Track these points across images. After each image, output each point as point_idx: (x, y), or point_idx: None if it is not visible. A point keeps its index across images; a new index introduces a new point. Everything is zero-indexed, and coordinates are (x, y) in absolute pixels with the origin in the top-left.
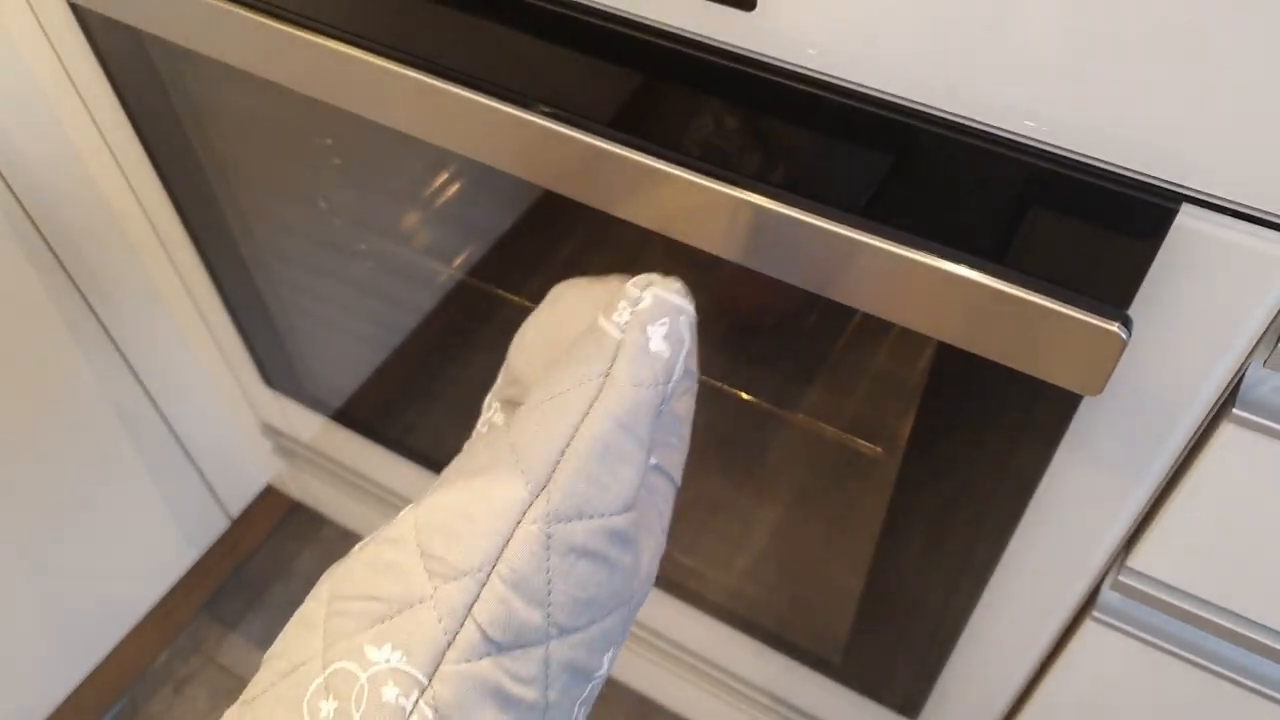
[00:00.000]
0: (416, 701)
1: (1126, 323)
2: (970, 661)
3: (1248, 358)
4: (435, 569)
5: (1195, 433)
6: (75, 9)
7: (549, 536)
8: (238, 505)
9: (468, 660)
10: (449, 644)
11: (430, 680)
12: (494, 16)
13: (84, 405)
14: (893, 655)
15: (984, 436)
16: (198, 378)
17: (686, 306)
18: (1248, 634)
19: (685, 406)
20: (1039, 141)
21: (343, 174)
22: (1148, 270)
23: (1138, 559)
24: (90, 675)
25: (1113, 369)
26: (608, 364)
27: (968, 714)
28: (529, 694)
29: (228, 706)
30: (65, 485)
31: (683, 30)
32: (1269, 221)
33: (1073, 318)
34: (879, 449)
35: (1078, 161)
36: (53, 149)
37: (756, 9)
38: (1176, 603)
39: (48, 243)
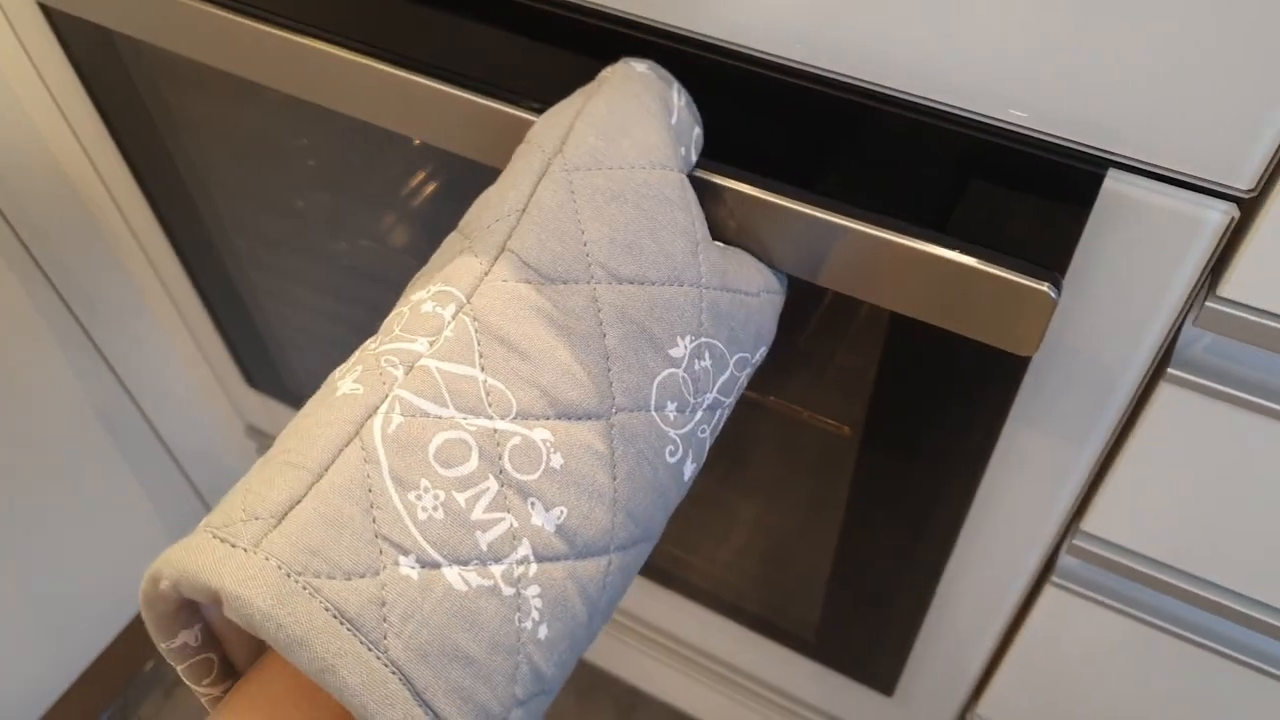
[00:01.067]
0: (456, 314)
1: (1055, 283)
2: (939, 635)
3: (1180, 317)
4: (471, 230)
5: (1135, 394)
6: (45, 10)
7: (570, 182)
8: None
9: (505, 280)
10: (486, 271)
11: (469, 298)
12: (452, 7)
13: (66, 409)
14: (865, 632)
15: (937, 409)
16: (180, 380)
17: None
18: (1201, 593)
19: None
20: (976, 114)
21: (318, 174)
22: (1080, 235)
23: (1090, 523)
24: (79, 679)
25: (1045, 327)
26: (599, 79)
27: (940, 688)
28: (578, 325)
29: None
30: (49, 489)
31: (633, 15)
32: (1189, 184)
33: (1005, 279)
34: (846, 429)
35: (1012, 132)
36: (27, 152)
37: None
38: (1131, 564)
39: (24, 245)
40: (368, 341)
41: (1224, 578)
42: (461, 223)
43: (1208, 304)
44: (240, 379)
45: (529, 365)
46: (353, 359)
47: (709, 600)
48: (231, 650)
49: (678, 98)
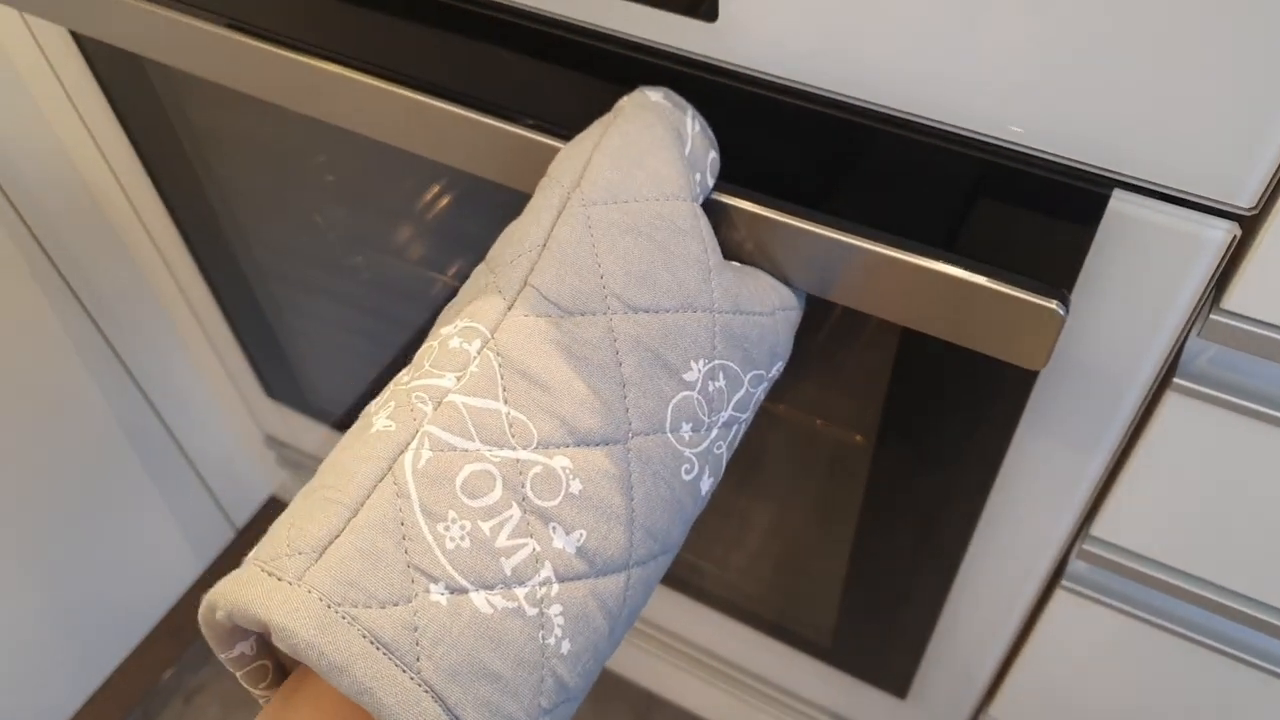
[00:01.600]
0: (481, 349)
1: (1063, 300)
2: (952, 638)
3: (1185, 330)
4: (495, 265)
5: (1142, 404)
6: (75, 35)
7: (587, 217)
8: (243, 516)
9: (526, 315)
10: (509, 306)
11: (494, 333)
12: (470, 33)
13: (89, 419)
14: (878, 636)
15: (948, 419)
16: (201, 391)
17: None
18: (1209, 596)
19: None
20: (982, 134)
21: (336, 190)
22: (1087, 253)
23: (1100, 527)
24: (101, 688)
25: (1053, 343)
26: (615, 110)
27: (953, 690)
28: (595, 355)
29: (239, 717)
30: (71, 499)
31: (649, 41)
32: (1192, 203)
33: (1014, 297)
34: (859, 437)
35: (1020, 154)
36: (56, 171)
37: (719, 20)
38: (1141, 568)
39: (52, 262)
40: (401, 374)
41: (1231, 581)
42: (488, 256)
43: (1212, 316)
44: (260, 390)
45: (549, 396)
46: (386, 394)
47: (724, 605)
48: (285, 657)
49: (691, 125)
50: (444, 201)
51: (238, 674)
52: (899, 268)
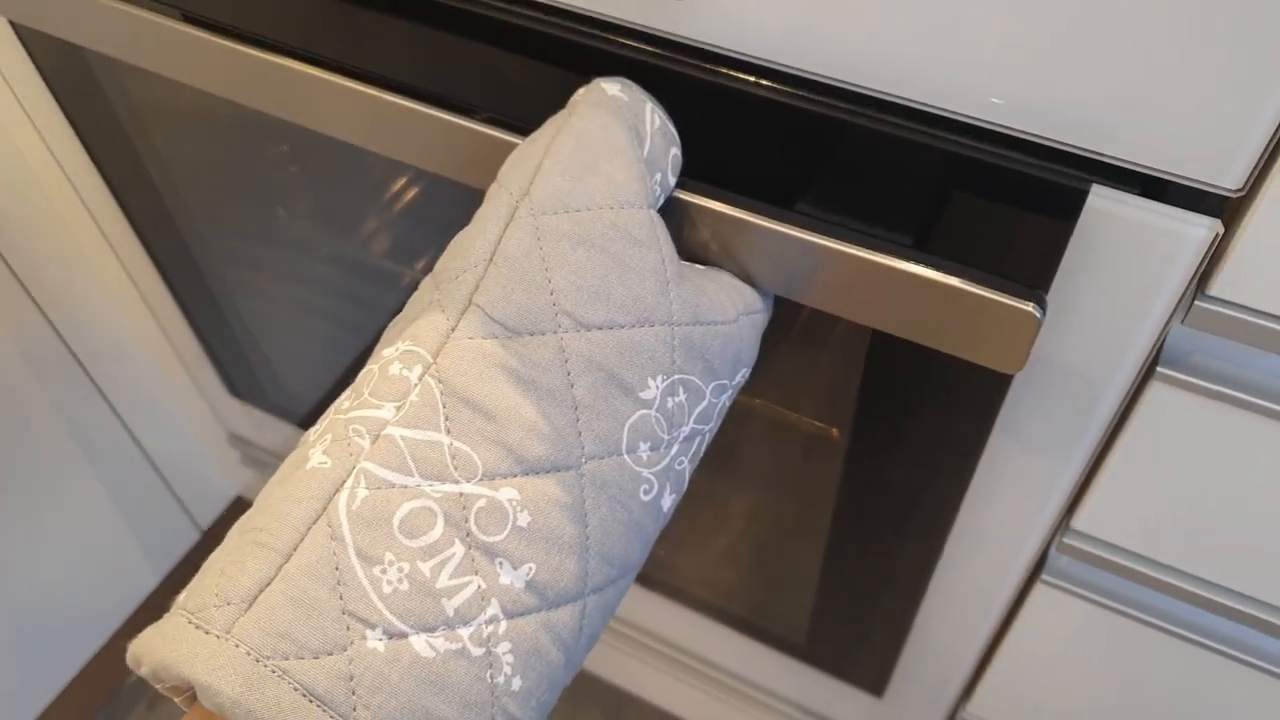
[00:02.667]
0: (422, 375)
1: (1040, 301)
2: (929, 637)
3: (1167, 322)
4: (441, 278)
5: (1126, 395)
6: (13, 24)
7: (536, 228)
8: (207, 517)
9: (470, 338)
10: (452, 328)
11: (435, 358)
12: (425, 18)
13: (43, 418)
14: (854, 634)
15: (923, 417)
16: (161, 386)
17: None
18: (1190, 589)
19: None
20: (965, 116)
21: (300, 182)
22: (1064, 252)
23: (1081, 520)
24: (60, 695)
25: (1030, 346)
26: (569, 108)
27: (931, 687)
28: (545, 378)
29: None
30: (26, 501)
31: (617, 19)
32: (1177, 183)
33: (989, 299)
34: (834, 430)
35: (1001, 136)
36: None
37: None
38: (1122, 561)
39: (2, 257)
40: (342, 398)
41: (1213, 573)
42: (435, 268)
43: (1196, 303)
44: (222, 389)
45: (494, 425)
46: (324, 423)
47: (696, 603)
48: None
49: (651, 120)
50: (412, 192)
51: (177, 700)
52: (869, 269)
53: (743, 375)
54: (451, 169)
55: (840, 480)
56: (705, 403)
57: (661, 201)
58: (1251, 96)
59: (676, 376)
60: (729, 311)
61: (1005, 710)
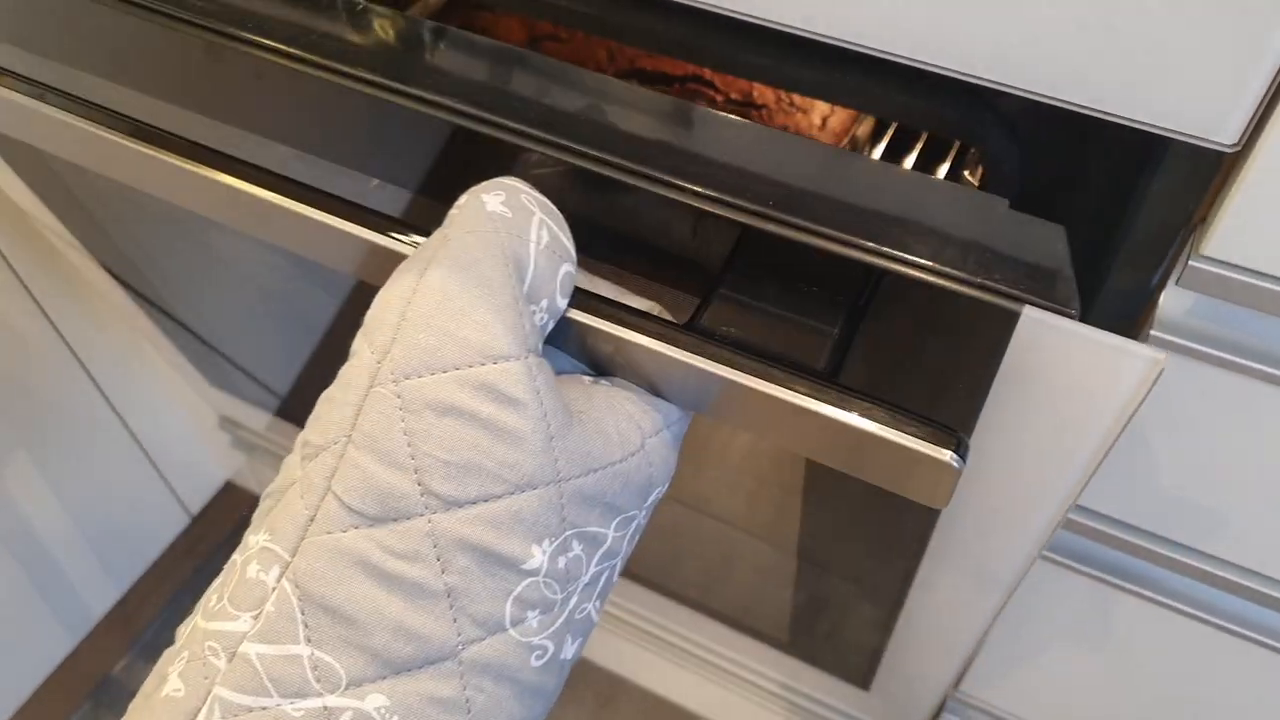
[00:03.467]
0: (279, 579)
1: (960, 447)
2: (915, 633)
3: (1158, 290)
4: (306, 454)
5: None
6: None
7: (398, 396)
8: (198, 502)
9: (328, 532)
10: (310, 519)
11: (293, 556)
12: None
13: (30, 400)
14: (835, 634)
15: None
16: (149, 371)
17: (523, 186)
18: (1186, 560)
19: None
20: (949, 68)
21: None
22: (991, 384)
23: (1083, 494)
24: (46, 682)
25: (952, 490)
26: (444, 231)
27: (917, 682)
28: (412, 571)
29: None
30: (12, 486)
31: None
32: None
33: (906, 447)
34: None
35: (927, 266)
36: None
37: None
38: (1123, 535)
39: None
40: (206, 596)
41: (1209, 544)
42: (303, 432)
43: (1190, 263)
44: (202, 380)
45: (356, 631)
46: (183, 636)
47: (680, 598)
48: None
49: (538, 237)
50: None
51: None
52: (777, 405)
53: (658, 494)
54: (342, 266)
55: (803, 484)
56: (609, 543)
57: (550, 328)
58: (1248, 46)
59: (568, 533)
60: (632, 442)
61: (997, 687)
